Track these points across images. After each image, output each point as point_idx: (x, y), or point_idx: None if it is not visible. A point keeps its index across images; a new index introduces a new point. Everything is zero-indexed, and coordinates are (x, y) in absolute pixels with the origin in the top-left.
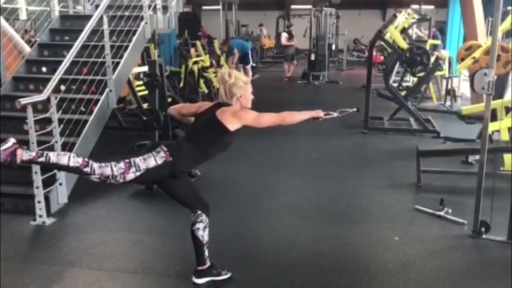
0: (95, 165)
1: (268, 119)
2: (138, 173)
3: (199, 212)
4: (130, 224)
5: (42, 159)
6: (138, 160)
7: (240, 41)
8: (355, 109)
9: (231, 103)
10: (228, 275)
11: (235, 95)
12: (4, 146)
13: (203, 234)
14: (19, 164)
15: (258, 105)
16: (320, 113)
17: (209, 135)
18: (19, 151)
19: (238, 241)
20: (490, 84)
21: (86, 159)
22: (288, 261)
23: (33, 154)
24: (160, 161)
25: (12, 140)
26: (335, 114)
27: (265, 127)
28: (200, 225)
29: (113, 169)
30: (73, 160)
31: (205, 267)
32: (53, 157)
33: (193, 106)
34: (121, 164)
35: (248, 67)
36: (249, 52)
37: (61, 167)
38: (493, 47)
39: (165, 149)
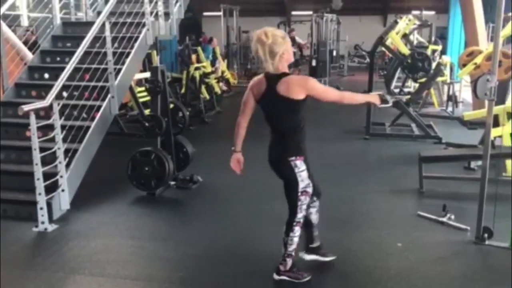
0: (299, 218)
1: (333, 93)
2: (309, 187)
3: (315, 198)
4: (132, 230)
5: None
6: (302, 184)
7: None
8: (404, 97)
9: (273, 62)
10: (332, 258)
11: (277, 53)
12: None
13: (315, 218)
14: None
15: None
16: (377, 100)
17: (285, 114)
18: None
19: (241, 247)
20: (492, 90)
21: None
22: None
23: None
24: (303, 166)
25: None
26: (390, 104)
27: (327, 101)
28: (313, 210)
29: (302, 208)
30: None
31: (315, 245)
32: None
33: (245, 104)
34: (302, 197)
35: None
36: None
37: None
38: (494, 53)
39: (293, 157)
